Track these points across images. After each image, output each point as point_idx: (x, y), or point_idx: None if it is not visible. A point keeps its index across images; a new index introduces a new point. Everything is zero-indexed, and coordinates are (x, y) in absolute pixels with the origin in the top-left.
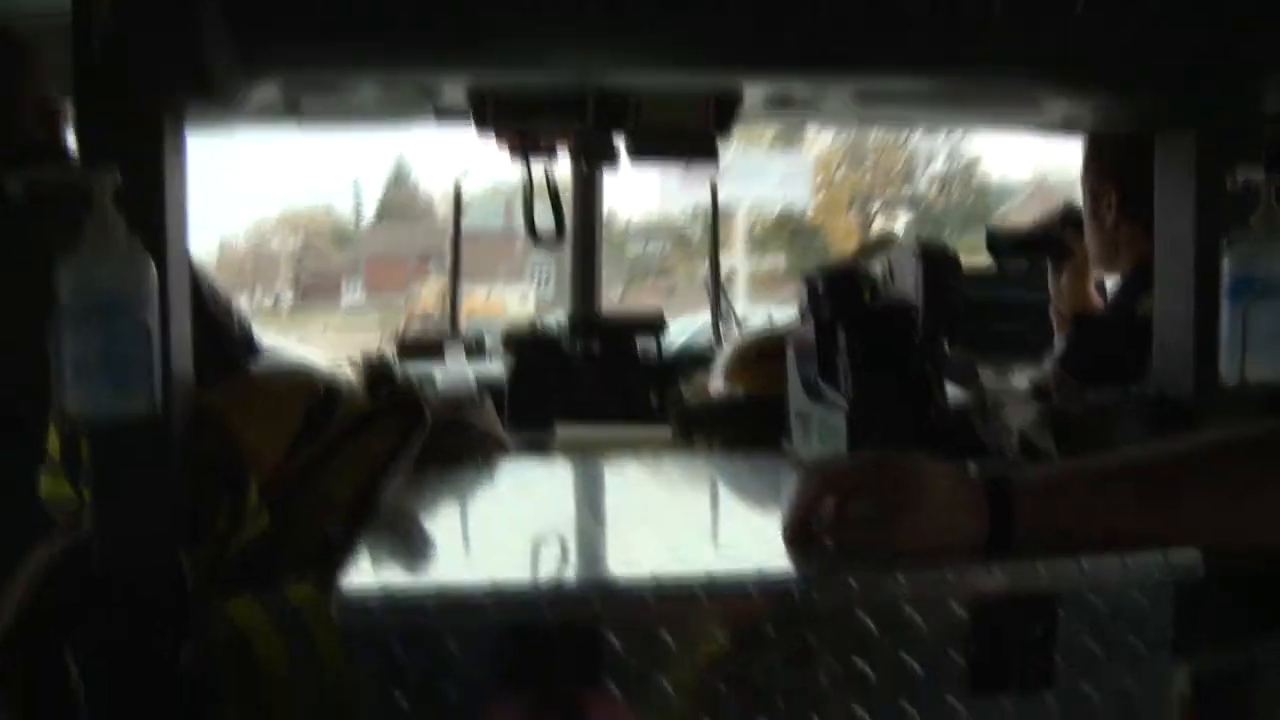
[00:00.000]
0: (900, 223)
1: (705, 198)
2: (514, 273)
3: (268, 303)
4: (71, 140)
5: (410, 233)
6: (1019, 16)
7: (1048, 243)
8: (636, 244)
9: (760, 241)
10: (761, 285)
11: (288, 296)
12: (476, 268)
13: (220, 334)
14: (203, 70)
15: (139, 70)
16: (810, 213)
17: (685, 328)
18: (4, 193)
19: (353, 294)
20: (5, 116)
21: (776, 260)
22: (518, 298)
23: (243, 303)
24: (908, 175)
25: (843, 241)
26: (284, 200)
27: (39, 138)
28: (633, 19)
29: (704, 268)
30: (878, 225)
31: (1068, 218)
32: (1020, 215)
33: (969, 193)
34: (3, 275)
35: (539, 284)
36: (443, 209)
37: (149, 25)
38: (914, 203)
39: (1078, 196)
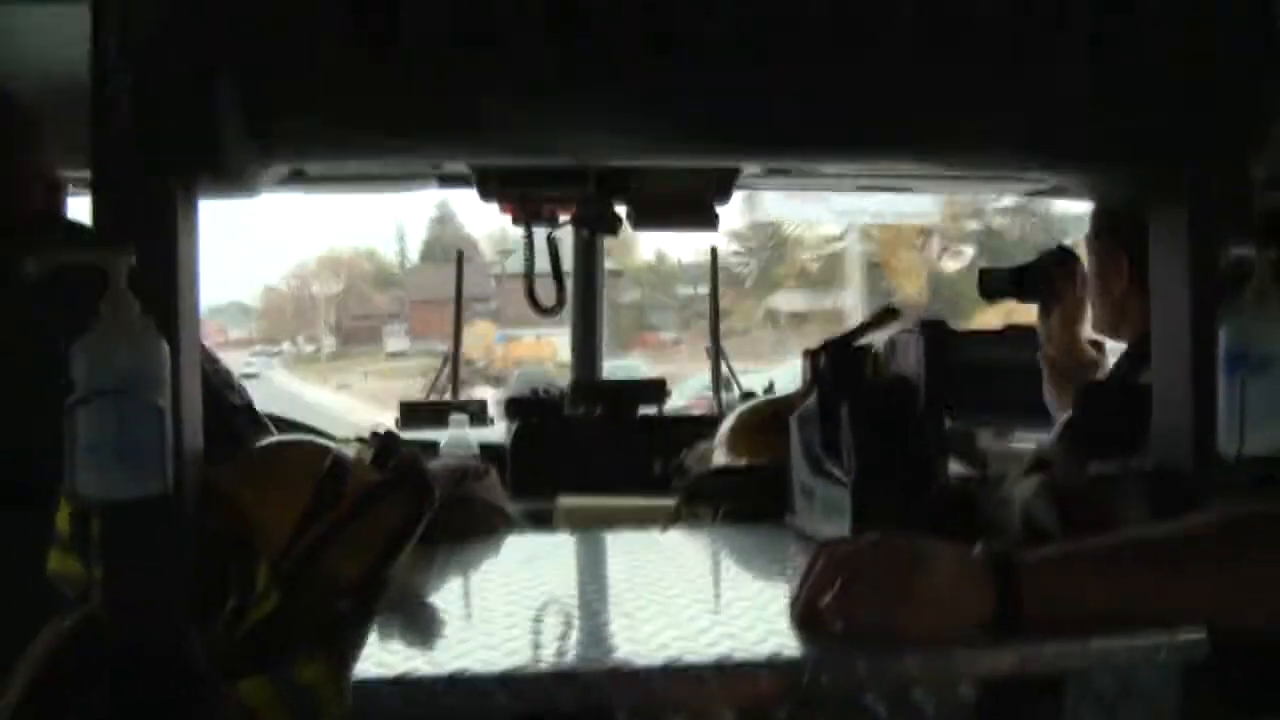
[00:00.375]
0: (967, 257)
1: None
2: (565, 316)
3: (309, 349)
4: (70, 212)
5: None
6: (1005, 96)
7: (1038, 283)
8: (687, 285)
9: (826, 277)
10: (823, 326)
11: (329, 342)
12: (523, 311)
13: (221, 406)
14: (218, 152)
15: (156, 153)
16: (872, 246)
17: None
18: (9, 265)
19: (397, 339)
20: (6, 189)
21: (838, 300)
22: (566, 341)
23: (284, 348)
24: (976, 211)
25: (905, 279)
26: (325, 243)
27: (38, 208)
28: (632, 109)
29: (759, 309)
30: (945, 262)
31: (1059, 260)
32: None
33: (1039, 223)
34: (11, 352)
35: None
36: (488, 250)
37: (167, 108)
38: (984, 236)
39: None
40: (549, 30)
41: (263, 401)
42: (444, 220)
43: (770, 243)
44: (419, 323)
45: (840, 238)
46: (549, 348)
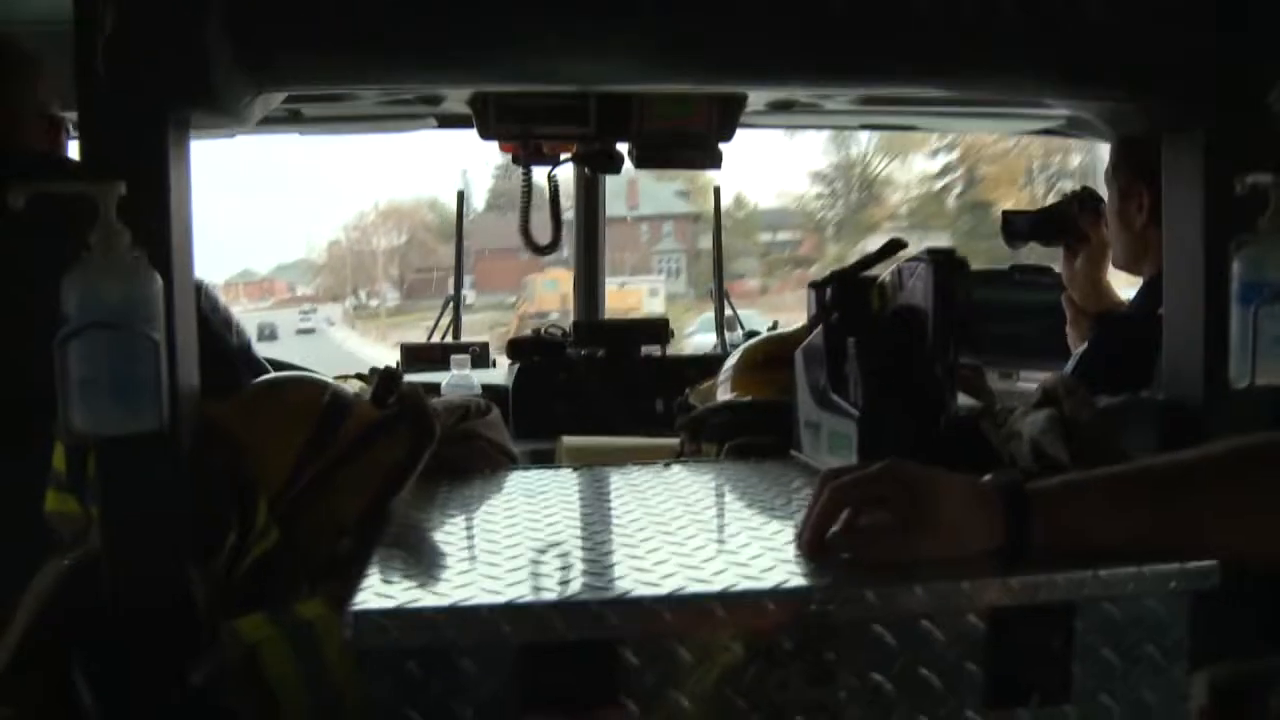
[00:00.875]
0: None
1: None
2: (641, 264)
3: (373, 303)
4: (73, 151)
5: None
6: (1023, 22)
7: (1062, 226)
8: (767, 230)
9: (922, 219)
10: None
11: (391, 296)
12: (496, 276)
13: (220, 348)
14: (207, 82)
15: (142, 83)
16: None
17: None
18: (6, 205)
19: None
20: (6, 127)
21: (940, 240)
22: (647, 291)
23: (346, 303)
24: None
25: None
26: (386, 193)
27: (40, 149)
28: (633, 31)
29: (849, 256)
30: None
31: (1083, 201)
32: None
33: None
34: (4, 290)
35: (668, 275)
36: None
37: (152, 37)
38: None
39: None
40: None
41: (317, 359)
42: (509, 169)
43: (858, 184)
44: (484, 274)
45: (942, 174)
46: (634, 296)
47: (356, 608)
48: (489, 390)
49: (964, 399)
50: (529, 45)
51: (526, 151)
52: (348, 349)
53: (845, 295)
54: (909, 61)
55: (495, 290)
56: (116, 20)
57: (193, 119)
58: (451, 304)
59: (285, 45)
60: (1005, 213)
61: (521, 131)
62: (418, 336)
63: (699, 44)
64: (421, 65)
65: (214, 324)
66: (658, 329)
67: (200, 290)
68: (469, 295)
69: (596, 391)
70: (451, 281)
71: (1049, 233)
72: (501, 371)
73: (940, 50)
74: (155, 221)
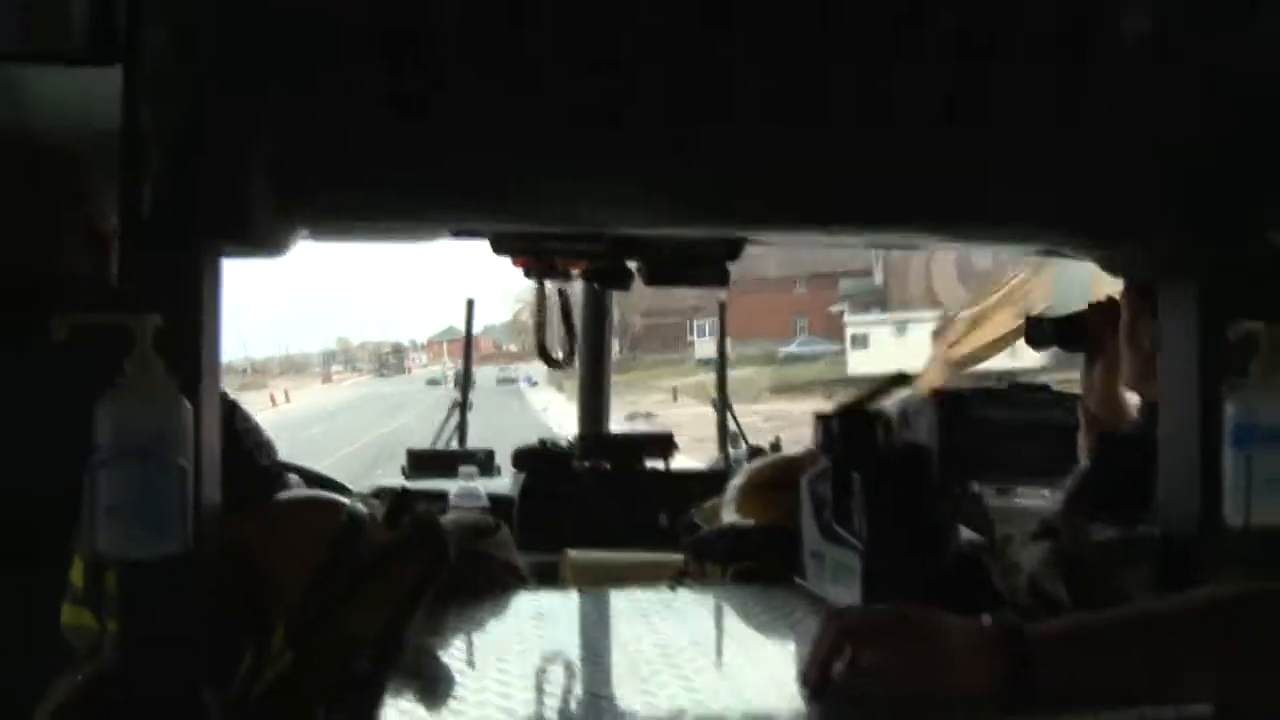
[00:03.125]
0: None
1: None
2: (782, 329)
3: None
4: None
5: (763, 262)
6: (1019, 174)
7: (1083, 334)
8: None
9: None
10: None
11: (608, 346)
12: (747, 324)
13: (250, 468)
14: (245, 219)
15: (183, 222)
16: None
17: None
18: (44, 327)
19: (707, 341)
20: (47, 241)
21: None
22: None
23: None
24: None
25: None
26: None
27: (84, 267)
28: (656, 181)
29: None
30: None
31: (1103, 310)
32: None
33: None
34: (26, 412)
35: None
36: None
37: (195, 178)
38: None
39: None
40: (577, 98)
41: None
42: None
43: None
44: (742, 315)
45: None
46: None
47: None
48: (495, 500)
49: (968, 534)
50: (550, 196)
51: (539, 267)
52: (547, 418)
53: (851, 429)
54: (907, 212)
55: (753, 337)
56: (161, 160)
57: (228, 249)
58: (458, 408)
59: (319, 186)
60: (1029, 318)
61: (534, 248)
62: (649, 403)
63: (702, 196)
64: (440, 213)
65: (245, 442)
66: (662, 443)
67: (234, 409)
68: (708, 344)
69: (601, 504)
70: (689, 325)
71: (1071, 339)
72: (507, 481)
73: (944, 205)
74: (188, 351)
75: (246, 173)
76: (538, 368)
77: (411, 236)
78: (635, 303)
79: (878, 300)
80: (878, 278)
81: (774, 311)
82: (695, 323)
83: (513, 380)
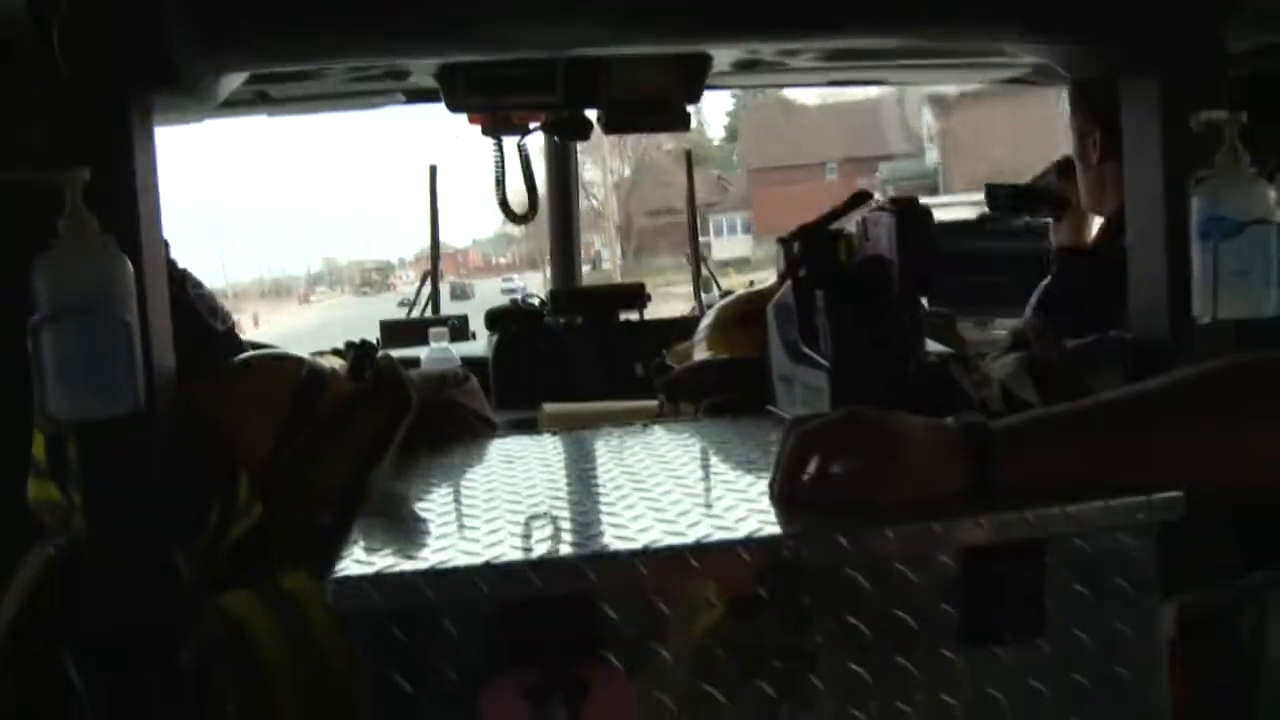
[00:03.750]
0: None
1: None
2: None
3: (585, 267)
4: None
5: (787, 146)
6: None
7: (1045, 195)
8: None
9: None
10: None
11: (613, 251)
12: (770, 218)
13: (205, 332)
14: (167, 64)
15: (101, 68)
16: None
17: None
18: None
19: (730, 238)
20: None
21: None
22: None
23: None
24: None
25: None
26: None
27: (40, 141)
28: None
29: None
30: None
31: (1063, 169)
32: None
33: None
34: None
35: None
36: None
37: (108, 22)
38: None
39: None
40: None
41: None
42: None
43: None
44: (765, 206)
45: None
46: None
47: (337, 575)
48: (469, 362)
49: (936, 346)
50: (491, 13)
51: (495, 122)
52: None
53: (812, 249)
54: (866, 13)
55: (783, 231)
56: (72, 7)
57: (156, 102)
58: (430, 278)
59: (243, 23)
60: (988, 185)
61: (490, 103)
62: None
63: (660, 4)
64: (383, 38)
65: (199, 308)
66: (634, 294)
67: (185, 277)
68: (743, 244)
69: (576, 358)
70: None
71: (1033, 204)
72: (481, 344)
73: (895, 2)
74: (122, 206)
75: (164, 12)
76: (534, 279)
77: (360, 98)
78: (640, 201)
79: (930, 186)
80: (930, 158)
81: (798, 203)
82: (712, 219)
83: (517, 293)
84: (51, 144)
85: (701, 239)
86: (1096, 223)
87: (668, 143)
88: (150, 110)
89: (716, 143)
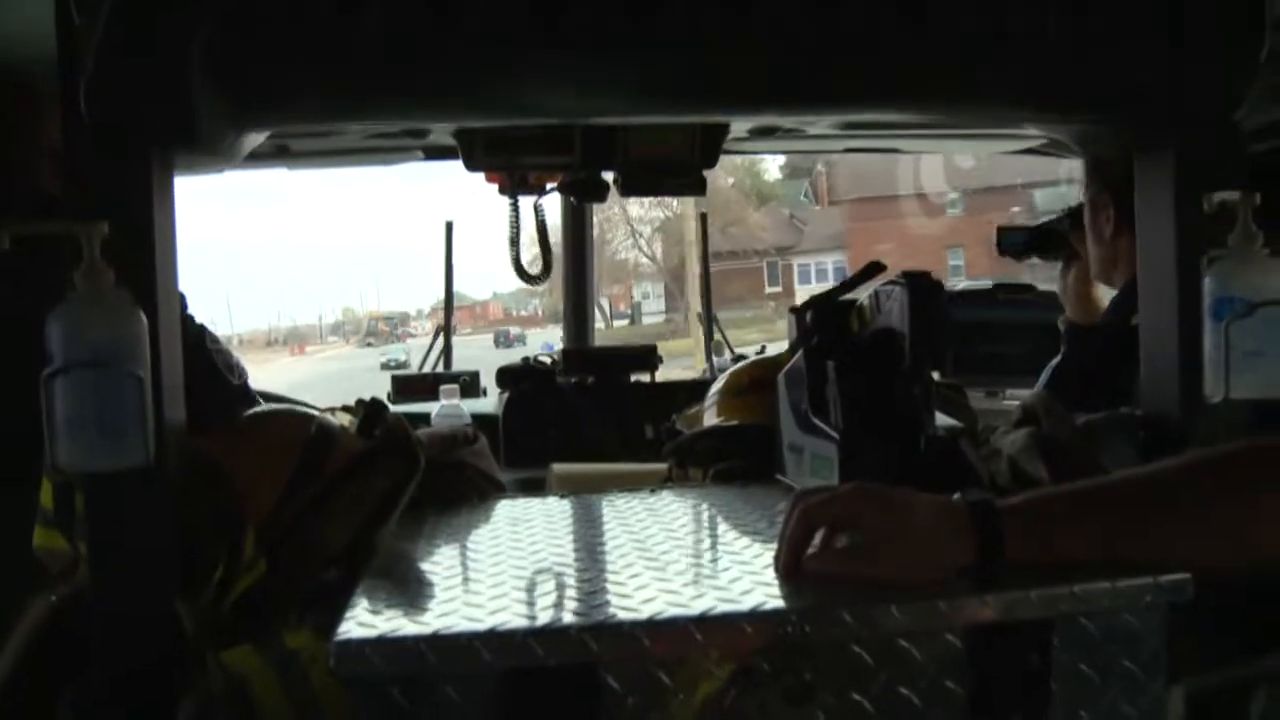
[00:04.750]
0: None
1: None
2: (929, 266)
3: (619, 322)
4: None
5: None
6: (993, 49)
7: (1055, 242)
8: None
9: None
10: None
11: (651, 301)
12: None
13: (220, 388)
14: (190, 123)
15: (125, 124)
16: None
17: None
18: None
19: (821, 280)
20: (11, 165)
21: None
22: None
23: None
24: None
25: None
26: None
27: (51, 188)
28: (615, 63)
29: None
30: None
31: (1075, 217)
32: None
33: None
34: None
35: None
36: None
37: (134, 79)
38: None
39: None
40: None
41: None
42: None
43: None
44: (859, 249)
45: None
46: None
47: (340, 637)
48: (479, 419)
49: (946, 419)
50: (511, 82)
51: (513, 182)
52: None
53: (825, 319)
54: (882, 89)
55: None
56: (98, 62)
57: (177, 158)
58: (442, 332)
59: (267, 85)
60: (1000, 228)
61: (507, 163)
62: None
63: (677, 77)
64: (404, 104)
65: (216, 362)
66: (646, 356)
67: (204, 333)
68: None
69: (586, 419)
70: (768, 270)
71: (1043, 248)
72: (492, 401)
73: (911, 77)
74: (140, 260)
75: (188, 71)
76: (556, 334)
77: (379, 154)
78: (692, 243)
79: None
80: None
81: (912, 243)
82: (797, 264)
83: (510, 343)
84: (67, 195)
85: (771, 289)
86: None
87: (729, 175)
88: (171, 166)
89: (773, 179)
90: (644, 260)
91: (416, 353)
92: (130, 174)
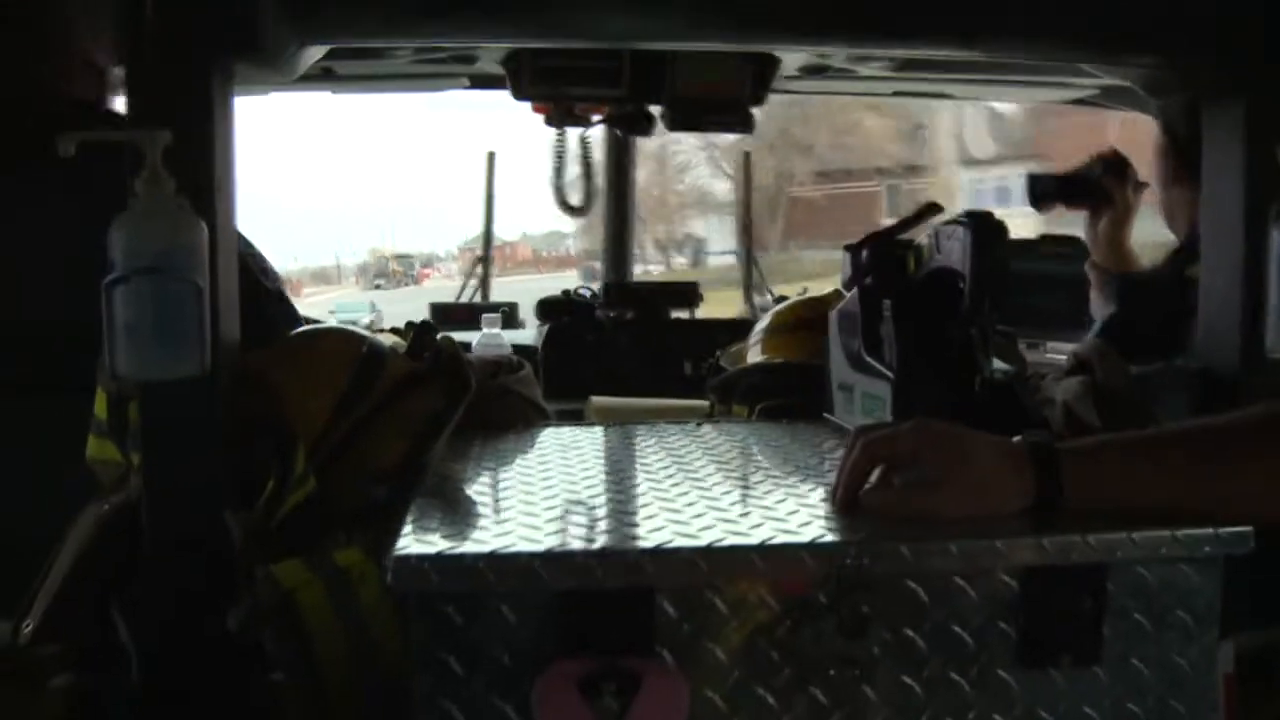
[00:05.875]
0: None
1: None
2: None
3: (680, 259)
4: (119, 102)
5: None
6: None
7: (1087, 189)
8: None
9: None
10: None
11: (714, 241)
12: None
13: (256, 290)
14: (253, 34)
15: (190, 34)
16: None
17: None
18: (55, 152)
19: (1003, 204)
20: (52, 75)
21: None
22: None
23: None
24: None
25: None
26: None
27: (87, 97)
28: None
29: None
30: None
31: (1108, 164)
32: None
33: None
34: (51, 238)
35: None
36: None
37: None
38: None
39: None
40: None
41: None
42: None
43: None
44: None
45: None
46: None
47: (399, 552)
48: (519, 350)
49: (1001, 364)
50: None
51: (559, 112)
52: None
53: (881, 258)
54: (943, 23)
55: None
56: None
57: (237, 71)
58: (482, 264)
59: None
60: (1030, 175)
61: (555, 93)
62: None
63: (730, 2)
64: (461, 19)
65: (251, 268)
66: (687, 292)
67: (259, 257)
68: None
69: (625, 353)
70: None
71: (1074, 195)
72: (531, 332)
73: (975, 12)
74: (200, 171)
75: None
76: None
77: (426, 79)
78: (796, 163)
79: None
80: None
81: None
82: (906, 187)
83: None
84: (131, 104)
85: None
86: (1132, 231)
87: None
88: (232, 77)
89: None
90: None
91: (435, 295)
92: (193, 85)
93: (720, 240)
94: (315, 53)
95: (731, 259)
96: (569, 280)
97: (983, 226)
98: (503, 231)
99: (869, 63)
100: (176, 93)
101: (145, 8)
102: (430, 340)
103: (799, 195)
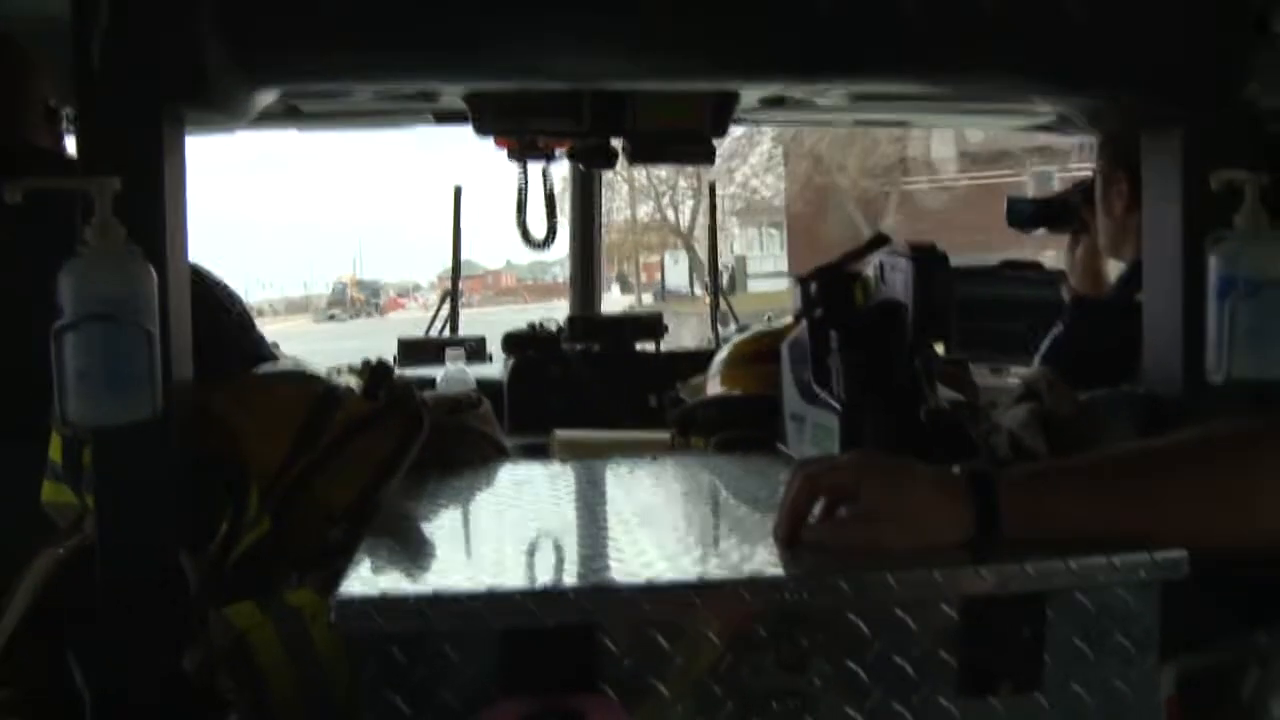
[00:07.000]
0: None
1: None
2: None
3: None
4: (72, 147)
5: None
6: (1005, 22)
7: (1065, 214)
8: None
9: None
10: None
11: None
12: None
13: (227, 340)
14: (203, 80)
15: (138, 80)
16: None
17: None
18: (2, 200)
19: None
20: (6, 122)
21: None
22: None
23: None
24: None
25: None
26: None
27: (42, 143)
28: (628, 29)
29: None
30: None
31: (1087, 190)
32: None
33: None
34: (5, 284)
35: None
36: None
37: (148, 35)
38: None
39: None
40: None
41: None
42: None
43: None
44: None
45: None
46: None
47: (341, 594)
48: (484, 385)
49: (948, 393)
50: (523, 43)
51: (522, 147)
52: None
53: (829, 290)
54: (893, 59)
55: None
56: (113, 18)
57: (189, 116)
58: (450, 298)
59: (279, 43)
60: (1010, 199)
61: (516, 127)
62: None
63: (688, 43)
64: (416, 63)
65: (232, 316)
66: (652, 325)
67: (221, 286)
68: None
69: (591, 386)
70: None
71: (1053, 220)
72: (498, 366)
73: (924, 49)
74: (151, 217)
75: (200, 28)
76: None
77: (389, 116)
78: (838, 158)
79: None
80: None
81: None
82: (1062, 175)
83: None
84: (80, 151)
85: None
86: (1113, 262)
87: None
88: (181, 122)
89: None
90: (762, 194)
91: (404, 328)
92: (143, 132)
93: (764, 258)
94: (268, 96)
95: (784, 282)
96: (558, 310)
97: (924, 259)
98: (486, 260)
99: (826, 94)
100: (125, 139)
101: (91, 56)
102: (386, 379)
103: (919, 187)
